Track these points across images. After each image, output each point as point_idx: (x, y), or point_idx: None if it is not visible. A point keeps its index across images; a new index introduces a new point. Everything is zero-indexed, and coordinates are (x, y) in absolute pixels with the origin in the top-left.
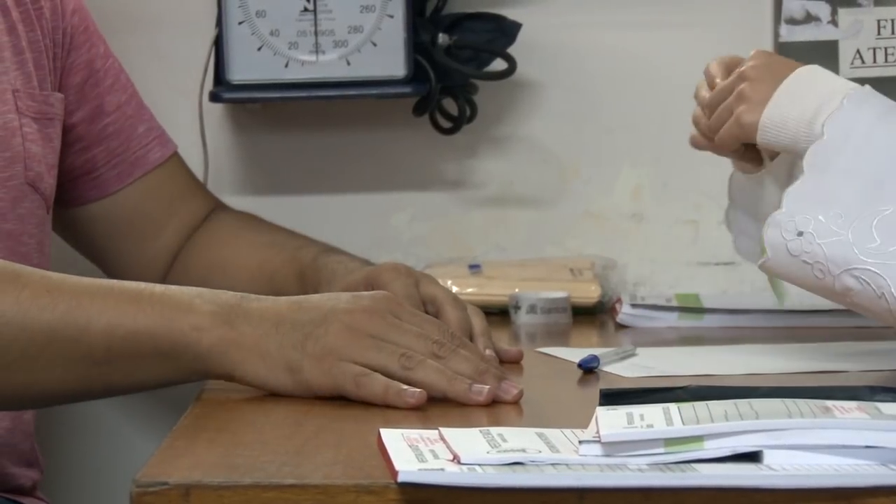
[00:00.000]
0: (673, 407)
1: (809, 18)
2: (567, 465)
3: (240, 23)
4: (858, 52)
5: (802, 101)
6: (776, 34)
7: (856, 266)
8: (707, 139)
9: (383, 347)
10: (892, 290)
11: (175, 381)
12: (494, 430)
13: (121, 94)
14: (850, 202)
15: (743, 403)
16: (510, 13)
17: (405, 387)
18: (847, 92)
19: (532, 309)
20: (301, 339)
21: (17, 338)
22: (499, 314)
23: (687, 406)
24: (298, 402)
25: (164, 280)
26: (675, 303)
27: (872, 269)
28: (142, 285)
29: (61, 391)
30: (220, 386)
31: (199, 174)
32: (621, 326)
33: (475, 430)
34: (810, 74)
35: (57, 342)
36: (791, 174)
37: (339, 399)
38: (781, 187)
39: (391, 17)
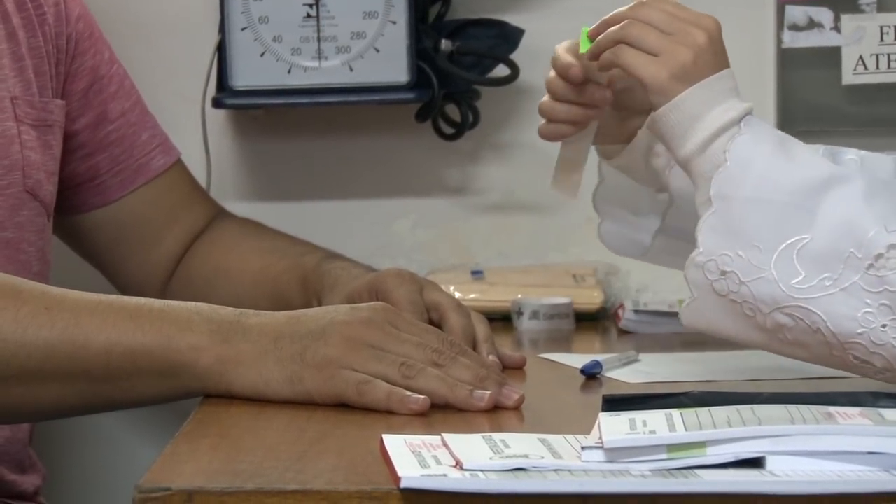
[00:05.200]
0: (676, 413)
1: (812, 25)
2: (570, 470)
3: (243, 29)
4: (861, 58)
5: (715, 109)
6: (779, 40)
7: (786, 304)
8: (561, 107)
9: (383, 357)
10: (828, 324)
11: (174, 397)
12: (497, 436)
13: (125, 101)
14: (762, 232)
15: (746, 409)
16: (513, 19)
17: (408, 393)
18: (742, 115)
19: (535, 315)
20: (300, 350)
21: (16, 354)
22: (501, 320)
23: (690, 412)
24: (301, 407)
25: (166, 286)
26: (677, 308)
27: (803, 305)
28: (141, 301)
29: (60, 407)
30: None
31: (202, 180)
32: (624, 332)
33: (478, 436)
34: (730, 82)
35: (55, 359)
36: (648, 157)
37: (342, 405)
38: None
39: (394, 23)
